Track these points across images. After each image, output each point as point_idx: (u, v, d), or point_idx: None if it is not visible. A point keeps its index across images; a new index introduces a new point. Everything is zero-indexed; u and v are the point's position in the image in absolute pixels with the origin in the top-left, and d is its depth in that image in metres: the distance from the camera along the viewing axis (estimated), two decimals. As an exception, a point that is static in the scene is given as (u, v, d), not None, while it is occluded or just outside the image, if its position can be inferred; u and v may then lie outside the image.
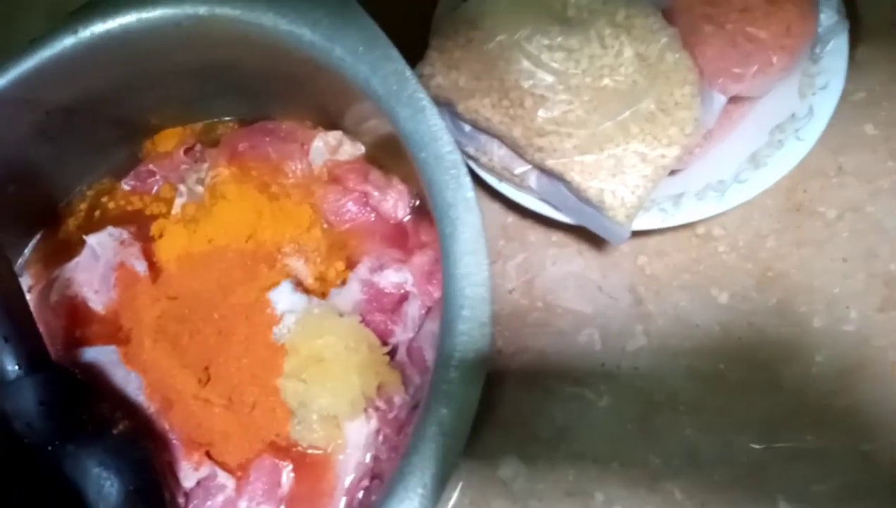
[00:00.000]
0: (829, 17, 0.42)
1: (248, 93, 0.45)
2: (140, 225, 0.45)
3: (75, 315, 0.43)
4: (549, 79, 0.39)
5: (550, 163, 0.40)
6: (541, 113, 0.39)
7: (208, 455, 0.39)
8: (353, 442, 0.38)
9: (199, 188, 0.44)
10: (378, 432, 0.38)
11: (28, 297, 0.43)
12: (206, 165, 0.45)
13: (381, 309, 0.40)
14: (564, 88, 0.39)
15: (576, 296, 0.45)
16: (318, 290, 0.42)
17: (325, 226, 0.43)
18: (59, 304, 0.43)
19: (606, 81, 0.39)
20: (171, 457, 0.39)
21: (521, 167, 0.42)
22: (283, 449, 0.39)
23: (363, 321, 0.39)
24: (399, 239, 0.43)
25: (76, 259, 0.44)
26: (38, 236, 0.48)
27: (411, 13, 0.46)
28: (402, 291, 0.41)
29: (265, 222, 0.42)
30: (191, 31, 0.39)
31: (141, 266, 0.43)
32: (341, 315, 0.39)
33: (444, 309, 0.31)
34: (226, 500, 0.38)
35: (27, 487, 0.35)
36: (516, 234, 0.47)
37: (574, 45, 0.39)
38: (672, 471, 0.41)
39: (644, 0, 0.40)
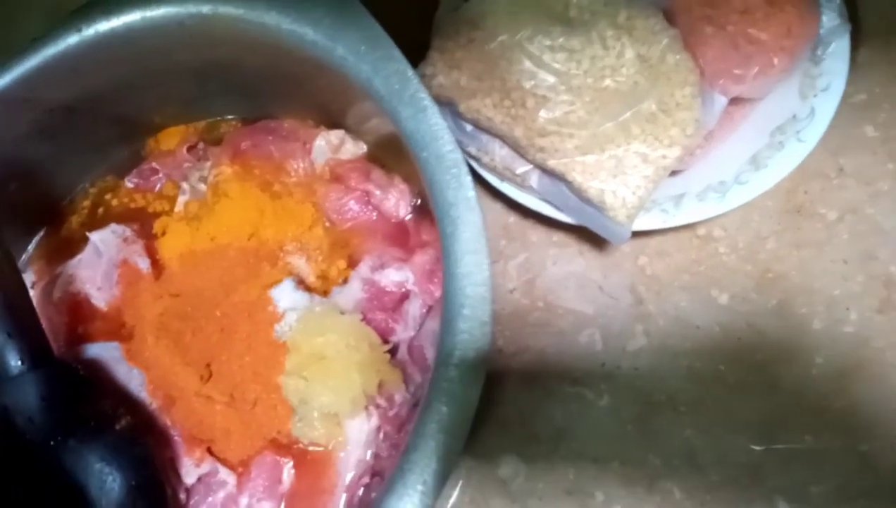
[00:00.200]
0: (830, 20, 0.42)
1: (251, 92, 0.45)
2: (143, 223, 0.45)
3: (78, 312, 0.43)
4: (551, 79, 0.39)
5: (552, 163, 0.40)
6: (542, 113, 0.39)
7: (210, 451, 0.39)
8: (354, 440, 0.38)
9: (202, 186, 0.45)
10: (379, 429, 0.38)
11: (31, 293, 0.43)
12: (208, 164, 0.45)
13: (383, 308, 0.41)
14: (566, 88, 0.39)
15: (576, 296, 0.46)
16: (320, 288, 0.42)
17: (327, 224, 0.43)
18: (62, 300, 0.44)
19: (608, 81, 0.39)
20: (172, 453, 0.39)
21: (522, 167, 0.43)
22: (285, 446, 0.39)
23: (364, 319, 0.40)
24: (400, 238, 0.43)
25: (79, 256, 0.44)
26: (41, 234, 0.48)
27: (412, 13, 0.46)
28: (404, 289, 0.41)
29: (267, 221, 0.43)
30: (194, 29, 0.39)
31: (144, 263, 0.43)
32: (343, 313, 0.39)
33: (444, 308, 0.31)
34: (227, 496, 0.38)
35: (29, 482, 0.35)
36: (518, 234, 0.48)
37: (576, 45, 0.39)
38: (671, 471, 0.41)
39: (645, 1, 0.40)
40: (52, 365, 0.37)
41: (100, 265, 0.43)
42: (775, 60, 0.40)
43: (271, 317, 0.39)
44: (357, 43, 0.35)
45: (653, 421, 0.42)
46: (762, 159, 0.42)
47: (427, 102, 0.34)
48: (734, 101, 0.42)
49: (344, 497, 0.38)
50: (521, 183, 0.43)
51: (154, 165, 0.47)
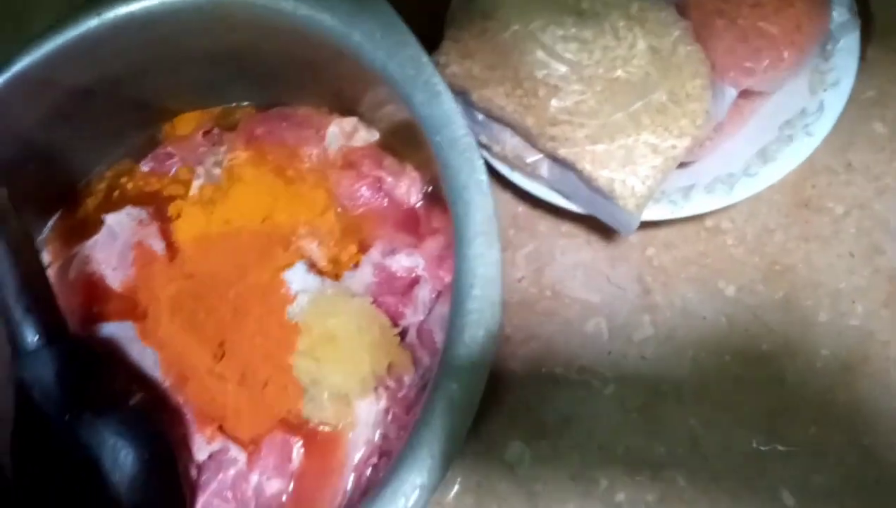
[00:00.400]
0: (840, 15, 0.43)
1: (266, 78, 0.46)
2: (158, 206, 0.46)
3: (93, 292, 0.44)
4: (563, 69, 0.40)
5: (562, 152, 0.41)
6: (554, 103, 0.40)
7: (221, 429, 0.39)
8: (363, 420, 0.38)
9: (217, 171, 0.45)
10: (388, 410, 0.39)
11: (48, 273, 0.44)
12: (223, 149, 0.46)
13: (393, 292, 0.41)
14: (577, 78, 0.40)
15: (584, 286, 0.46)
16: (332, 272, 0.43)
17: (339, 210, 0.44)
18: (78, 280, 0.44)
19: (619, 72, 0.40)
20: (184, 431, 0.39)
21: (532, 156, 0.43)
22: (295, 426, 0.39)
23: (375, 302, 0.40)
24: (411, 224, 0.43)
25: (95, 237, 0.45)
26: (57, 215, 0.48)
27: (426, 3, 0.47)
28: (414, 275, 0.41)
29: (281, 205, 0.43)
30: (211, 14, 0.39)
31: (159, 245, 0.44)
32: (353, 296, 0.40)
33: (454, 288, 0.32)
34: (237, 473, 0.39)
35: (44, 455, 0.36)
36: (526, 224, 0.48)
37: (588, 36, 0.40)
38: (675, 460, 0.42)
39: (658, -7, 0.41)
40: (67, 342, 0.37)
41: (115, 247, 0.44)
42: (785, 54, 0.40)
43: (283, 299, 0.40)
44: (373, 29, 0.36)
45: (658, 410, 0.43)
46: (771, 153, 0.42)
47: (441, 87, 0.34)
48: (744, 94, 0.42)
49: (352, 476, 0.38)
50: (532, 172, 0.44)
51: (169, 149, 0.48)
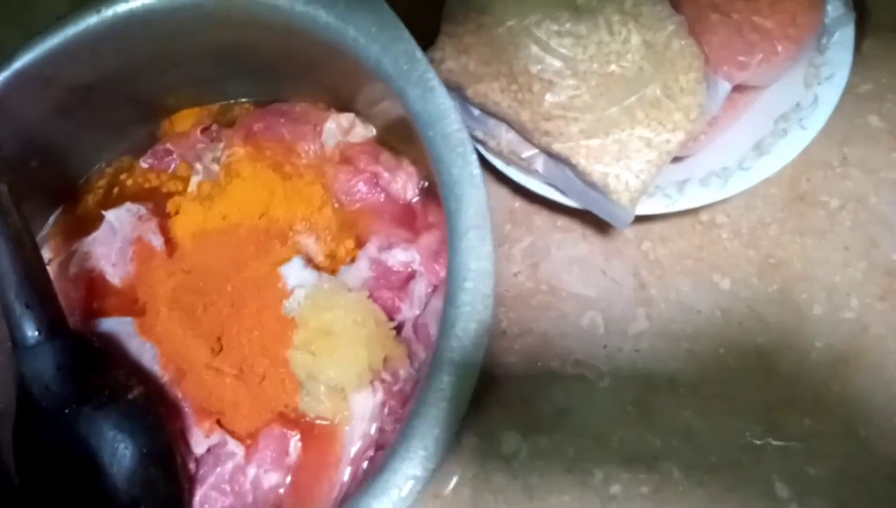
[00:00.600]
0: (835, 9, 0.43)
1: (264, 75, 0.46)
2: (157, 202, 0.46)
3: (93, 287, 0.44)
4: (557, 64, 0.40)
5: (557, 147, 0.41)
6: (548, 97, 0.40)
7: (219, 423, 0.40)
8: (359, 414, 0.39)
9: (215, 167, 0.46)
10: (383, 404, 0.39)
11: (48, 269, 0.44)
12: (221, 145, 0.46)
13: (389, 286, 0.41)
14: (572, 73, 0.40)
15: (580, 280, 0.46)
16: (329, 267, 0.43)
17: (336, 205, 0.44)
18: (78, 276, 0.45)
19: (613, 67, 0.40)
20: (182, 424, 0.40)
21: (528, 151, 0.43)
22: (292, 420, 0.40)
23: (371, 297, 0.40)
24: (407, 219, 0.44)
25: (95, 234, 0.45)
26: (58, 211, 0.49)
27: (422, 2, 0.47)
28: (410, 269, 0.42)
29: (278, 201, 0.43)
30: (210, 11, 0.40)
31: (157, 241, 0.44)
32: (350, 291, 0.40)
33: (448, 281, 0.32)
34: (235, 467, 0.39)
35: (44, 449, 0.36)
36: (523, 218, 0.48)
37: (582, 31, 0.40)
38: (670, 451, 0.42)
39: (651, -12, 0.41)
40: (67, 336, 0.38)
41: (114, 243, 0.45)
42: (779, 48, 0.40)
43: (280, 293, 0.40)
44: (368, 25, 0.36)
45: (653, 403, 0.43)
46: (765, 146, 0.42)
47: (435, 82, 0.35)
48: (739, 88, 0.42)
49: (348, 469, 0.39)
50: (527, 167, 0.44)
51: (168, 145, 0.48)
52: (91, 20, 0.40)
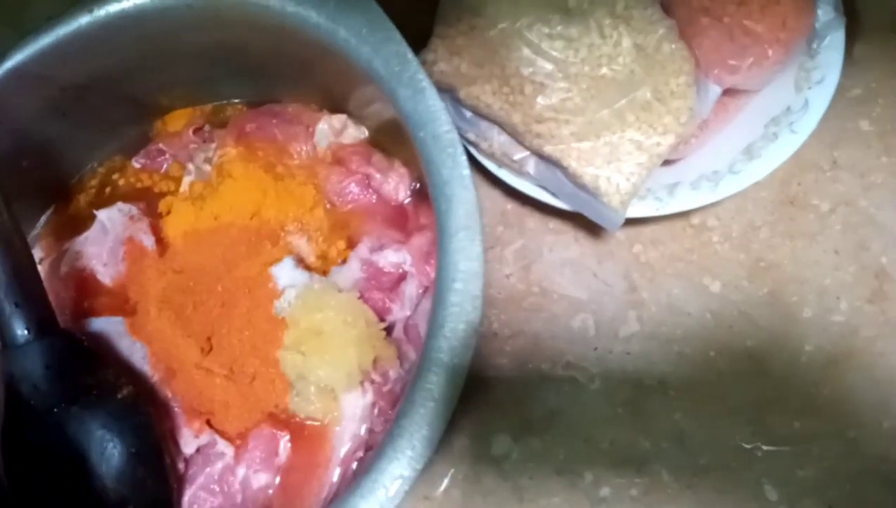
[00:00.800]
0: (826, 13, 0.43)
1: (257, 75, 0.46)
2: (149, 202, 0.46)
3: (84, 287, 0.44)
4: (549, 67, 0.40)
5: (548, 149, 0.41)
6: (540, 100, 0.40)
7: (209, 423, 0.40)
8: (350, 414, 0.39)
9: (207, 167, 0.46)
10: (374, 405, 0.39)
11: (39, 268, 0.44)
12: (214, 145, 0.46)
13: (380, 287, 0.42)
14: (563, 76, 0.40)
15: (571, 282, 0.46)
16: (320, 268, 0.43)
17: (328, 206, 0.44)
18: (69, 276, 0.45)
19: (604, 69, 0.40)
20: (172, 424, 0.40)
21: (519, 153, 0.43)
22: (282, 420, 0.40)
23: (362, 298, 0.40)
24: (399, 221, 0.44)
25: (86, 233, 0.45)
26: (50, 211, 0.49)
27: (417, 1, 0.47)
28: (401, 270, 0.42)
29: (270, 201, 0.43)
30: (201, 12, 0.40)
31: (149, 241, 0.44)
32: (340, 291, 0.40)
33: (437, 282, 0.32)
34: (225, 467, 0.39)
35: (32, 449, 0.36)
36: (515, 220, 0.48)
37: (574, 34, 0.40)
38: (660, 454, 0.42)
39: (642, -9, 0.41)
40: (57, 335, 0.38)
41: (106, 242, 0.44)
42: (770, 52, 0.40)
43: (271, 293, 0.40)
44: (359, 25, 0.36)
45: (643, 405, 0.43)
46: (756, 150, 0.42)
47: (425, 83, 0.35)
48: (730, 92, 0.42)
49: (338, 470, 0.39)
50: (519, 169, 0.44)
51: (161, 146, 0.48)
52: (83, 20, 0.40)
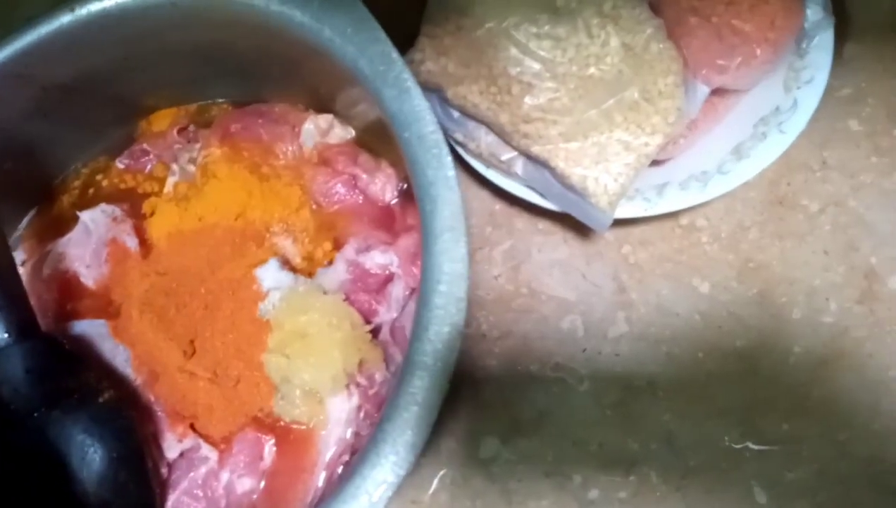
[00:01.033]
0: (815, 13, 0.43)
1: (242, 75, 0.46)
2: (133, 203, 0.46)
3: (67, 289, 0.44)
4: (536, 67, 0.40)
5: (536, 149, 0.41)
6: (527, 100, 0.40)
7: (192, 427, 0.39)
8: (335, 418, 0.38)
9: (192, 168, 0.45)
10: (359, 408, 0.39)
11: (21, 270, 0.44)
12: (198, 146, 0.46)
13: (367, 289, 0.41)
14: (551, 75, 0.40)
15: (560, 283, 0.46)
16: (306, 269, 0.43)
17: (314, 207, 0.44)
18: (52, 278, 0.44)
19: (592, 69, 0.40)
20: (155, 428, 0.39)
21: (507, 154, 0.43)
22: (267, 424, 0.39)
23: (348, 300, 0.40)
24: (386, 222, 0.43)
25: (69, 235, 0.44)
26: (32, 212, 0.48)
27: (406, 2, 0.47)
28: (388, 272, 0.41)
29: (255, 202, 0.43)
30: (185, 11, 0.39)
31: (132, 242, 0.44)
32: (326, 293, 0.40)
33: (421, 284, 0.32)
34: (208, 472, 0.39)
35: (11, 454, 0.36)
36: (503, 221, 0.48)
37: (561, 33, 0.40)
38: (649, 455, 0.42)
39: (630, -10, 0.41)
40: (37, 338, 0.37)
41: (89, 244, 0.44)
42: (758, 52, 0.40)
43: (255, 296, 0.40)
44: (343, 25, 0.36)
45: (632, 406, 0.43)
46: (745, 150, 0.42)
47: (410, 83, 0.34)
48: (719, 92, 0.42)
49: (324, 474, 0.38)
50: (507, 170, 0.44)
51: (145, 146, 0.47)
52: (65, 19, 0.40)
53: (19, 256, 0.46)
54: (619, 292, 0.45)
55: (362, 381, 0.38)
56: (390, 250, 0.42)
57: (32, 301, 0.38)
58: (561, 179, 0.41)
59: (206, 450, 0.39)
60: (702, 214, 0.46)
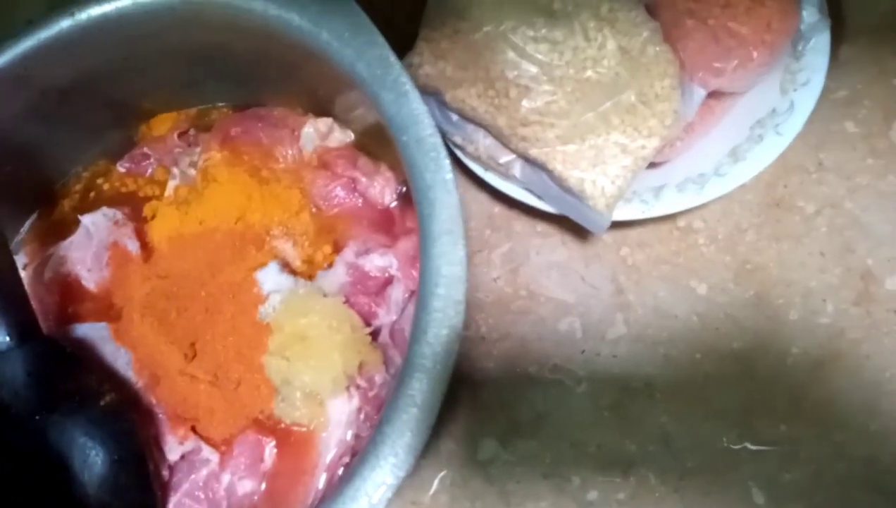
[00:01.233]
0: (811, 15, 0.43)
1: (242, 79, 0.46)
2: (133, 206, 0.46)
3: (68, 292, 0.44)
4: (534, 70, 0.40)
5: (534, 152, 0.41)
6: (525, 103, 0.40)
7: (193, 429, 0.40)
8: (335, 420, 0.39)
9: (192, 171, 0.45)
10: (360, 410, 0.39)
11: (23, 274, 0.44)
12: (198, 149, 0.46)
13: (366, 292, 0.41)
14: (548, 78, 0.40)
15: (558, 285, 0.46)
16: (306, 272, 0.43)
17: (314, 210, 0.44)
18: (53, 281, 0.44)
19: (589, 72, 0.40)
20: (156, 431, 0.39)
21: (505, 157, 0.43)
22: (267, 426, 0.40)
23: (348, 302, 0.40)
24: (385, 225, 0.44)
25: (70, 238, 0.45)
26: (34, 216, 0.49)
27: (403, 4, 0.47)
28: (387, 275, 0.42)
29: (255, 205, 0.43)
30: (185, 15, 0.40)
31: (133, 246, 0.44)
32: (325, 296, 0.40)
33: (420, 287, 0.32)
34: (209, 474, 0.39)
35: (13, 457, 0.36)
36: (502, 224, 0.48)
37: (558, 37, 0.40)
38: (647, 457, 0.42)
39: (627, -6, 0.41)
40: (39, 341, 0.38)
41: (90, 247, 0.44)
42: (755, 54, 0.40)
43: (256, 299, 0.40)
44: (341, 29, 0.36)
45: (630, 408, 0.43)
46: (741, 152, 0.42)
47: (408, 86, 0.35)
48: (716, 95, 0.42)
49: (324, 476, 0.39)
50: (505, 172, 0.44)
51: (146, 150, 0.48)
52: (64, 23, 0.40)
53: (21, 260, 0.46)
54: (617, 294, 0.45)
55: (362, 383, 0.38)
56: (390, 252, 0.42)
57: (34, 305, 0.39)
58: (559, 182, 0.41)
59: (207, 452, 0.39)
60: (699, 216, 0.46)
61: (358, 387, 0.39)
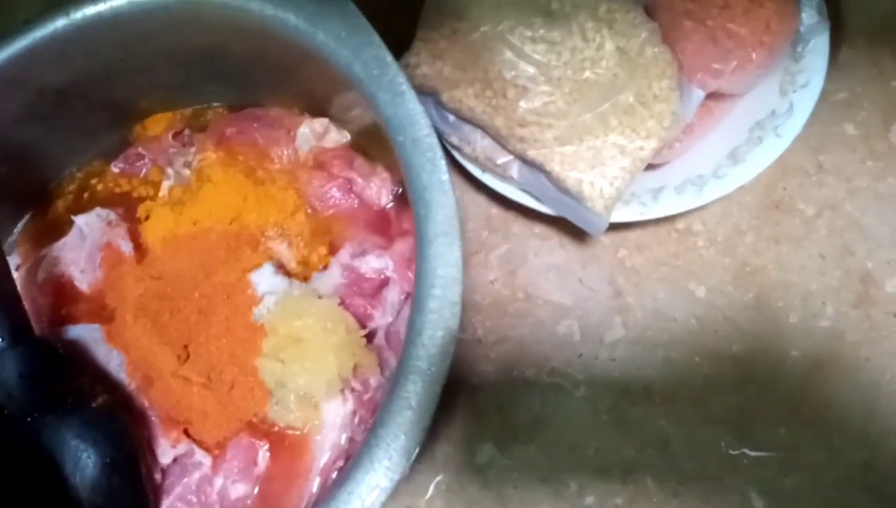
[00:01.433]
0: (809, 17, 0.43)
1: (237, 79, 0.46)
2: (128, 207, 0.46)
3: (61, 294, 0.44)
4: (531, 70, 0.40)
5: (531, 153, 0.41)
6: (522, 104, 0.40)
7: (186, 432, 0.39)
8: (330, 423, 0.38)
9: (187, 172, 0.45)
10: (354, 413, 0.38)
11: (16, 275, 0.43)
12: (193, 150, 0.46)
13: (362, 294, 0.41)
14: (546, 79, 0.40)
15: (556, 287, 0.46)
16: (301, 274, 0.42)
17: (310, 211, 0.44)
18: (46, 282, 0.44)
19: (587, 73, 0.40)
20: (149, 434, 0.39)
21: (503, 158, 0.43)
22: (261, 429, 0.39)
23: (343, 304, 0.40)
24: (381, 226, 0.43)
25: (64, 239, 0.44)
26: (27, 217, 0.48)
27: (401, 4, 0.47)
28: (383, 276, 0.41)
29: (250, 206, 0.43)
30: (180, 15, 0.39)
31: (127, 247, 0.43)
32: (320, 298, 0.40)
33: (415, 288, 0.31)
34: (202, 477, 0.38)
35: (5, 459, 0.35)
36: (500, 225, 0.48)
37: (556, 37, 0.40)
38: (645, 461, 0.41)
39: (626, -5, 0.41)
40: (32, 343, 0.37)
41: (84, 248, 0.44)
42: (753, 55, 0.40)
43: (250, 300, 0.40)
44: (338, 29, 0.36)
45: (628, 412, 0.42)
46: (740, 154, 0.42)
47: (405, 87, 0.34)
48: (715, 96, 0.42)
49: (318, 480, 0.38)
50: (503, 174, 0.44)
51: (140, 150, 0.47)
52: (59, 23, 0.40)
53: (14, 260, 0.46)
54: (615, 297, 0.45)
55: (357, 386, 0.38)
56: (385, 254, 0.42)
57: (27, 306, 0.38)
58: (556, 183, 0.41)
59: (200, 455, 0.39)
60: (698, 218, 0.45)
61: (353, 390, 0.38)
